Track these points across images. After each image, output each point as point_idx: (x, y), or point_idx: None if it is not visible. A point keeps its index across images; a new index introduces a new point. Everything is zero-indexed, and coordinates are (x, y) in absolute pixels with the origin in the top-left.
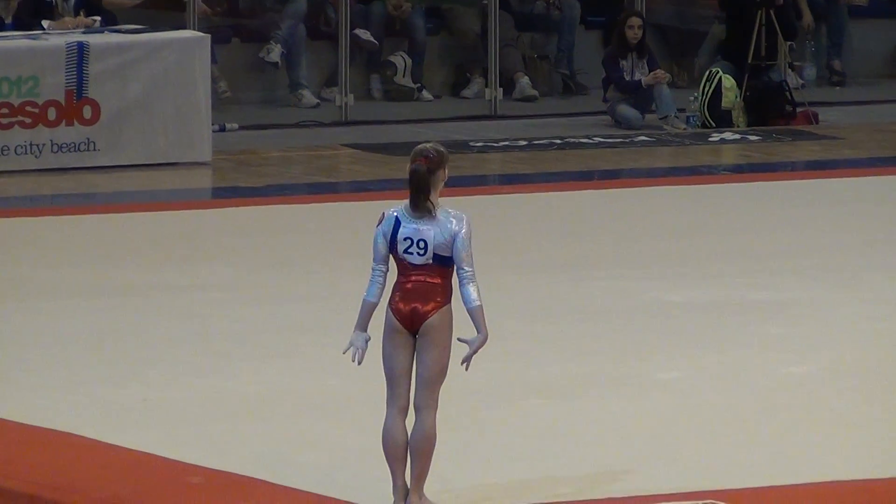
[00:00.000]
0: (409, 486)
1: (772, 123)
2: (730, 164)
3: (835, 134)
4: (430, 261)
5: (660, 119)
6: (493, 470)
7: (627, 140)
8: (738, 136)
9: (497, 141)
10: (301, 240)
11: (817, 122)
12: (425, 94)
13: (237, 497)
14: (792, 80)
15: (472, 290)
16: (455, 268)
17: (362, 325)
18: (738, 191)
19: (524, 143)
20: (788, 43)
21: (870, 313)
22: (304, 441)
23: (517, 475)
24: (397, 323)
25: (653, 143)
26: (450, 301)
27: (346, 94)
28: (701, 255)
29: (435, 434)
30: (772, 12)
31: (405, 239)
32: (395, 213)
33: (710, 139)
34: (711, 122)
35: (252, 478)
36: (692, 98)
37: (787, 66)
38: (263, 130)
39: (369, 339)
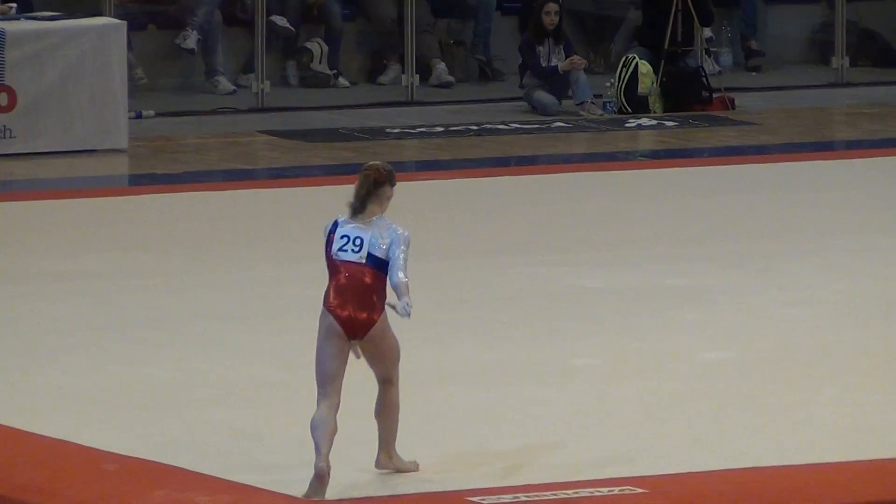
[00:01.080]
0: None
1: (688, 109)
2: (646, 149)
3: (751, 120)
4: (364, 260)
5: (576, 105)
6: (412, 457)
7: (544, 126)
8: (654, 122)
9: (414, 127)
10: (218, 227)
11: (734, 108)
12: (342, 80)
13: (152, 484)
14: (708, 65)
15: (402, 273)
16: (389, 264)
17: None
18: (654, 177)
19: (441, 129)
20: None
21: (785, 299)
22: (220, 428)
23: (436, 462)
24: (339, 328)
25: (569, 129)
26: (384, 307)
27: (262, 81)
28: (618, 241)
29: (398, 403)
30: None
31: (342, 237)
32: (337, 218)
33: (627, 125)
34: (628, 107)
35: (168, 465)
36: (609, 84)
37: (704, 51)
38: (180, 117)
39: None
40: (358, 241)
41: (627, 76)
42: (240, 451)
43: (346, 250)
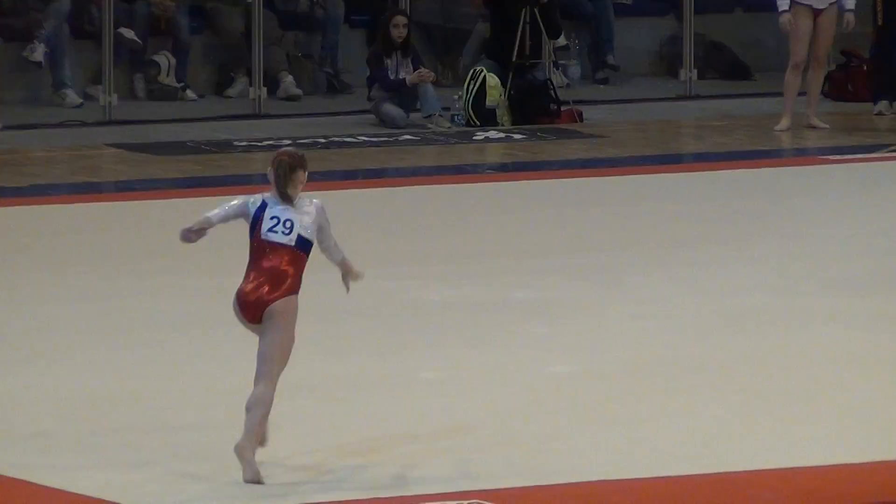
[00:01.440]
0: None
1: (537, 122)
2: (495, 162)
3: (599, 132)
4: (293, 243)
5: (424, 118)
6: (262, 471)
7: (392, 139)
8: (502, 135)
9: (261, 140)
10: (66, 240)
11: (582, 121)
12: (189, 93)
13: None
14: (557, 78)
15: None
16: (325, 246)
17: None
18: (503, 189)
19: (288, 142)
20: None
21: (634, 312)
22: (63, 441)
23: (283, 477)
24: (242, 319)
25: (418, 142)
26: (297, 292)
27: (109, 94)
28: (465, 253)
29: (265, 399)
30: (536, 10)
31: (272, 218)
32: (262, 196)
33: (475, 138)
34: (476, 120)
35: (8, 477)
36: (457, 97)
37: (552, 64)
38: (27, 130)
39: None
40: (288, 224)
41: (475, 89)
42: (78, 465)
43: (276, 231)
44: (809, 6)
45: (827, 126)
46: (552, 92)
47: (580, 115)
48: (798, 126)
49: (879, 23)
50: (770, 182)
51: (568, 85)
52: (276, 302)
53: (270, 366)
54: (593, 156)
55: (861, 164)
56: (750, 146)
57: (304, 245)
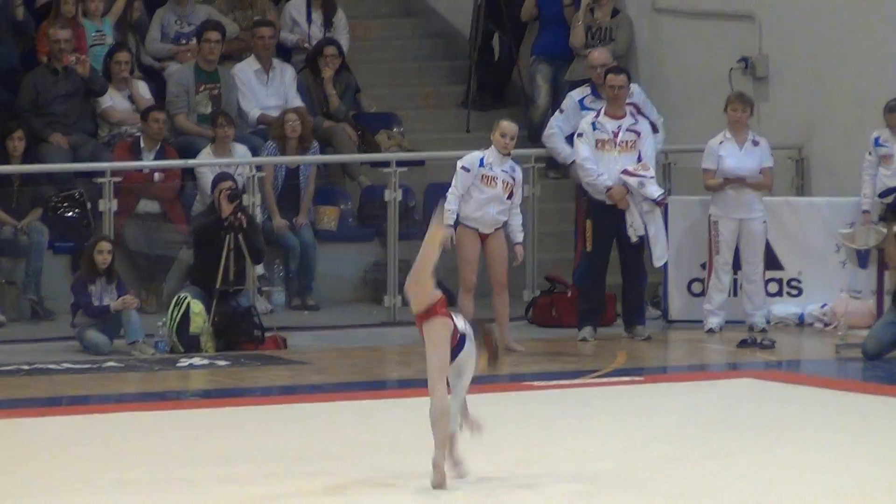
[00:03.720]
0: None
1: (240, 348)
2: (198, 389)
3: (303, 359)
4: None
5: (128, 344)
6: None
7: (95, 366)
8: (206, 362)
9: None
10: None
11: (286, 347)
12: None
13: None
14: (261, 304)
15: None
16: None
17: None
18: (207, 416)
19: None
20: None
21: None
22: None
23: None
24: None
25: (121, 369)
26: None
27: None
28: (165, 479)
29: (438, 409)
30: (240, 236)
31: None
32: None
33: (179, 364)
34: (181, 347)
35: None
36: (160, 323)
37: (256, 290)
38: None
39: None
40: None
41: (179, 315)
42: None
43: None
44: (476, 230)
45: (523, 349)
46: (256, 318)
47: (284, 341)
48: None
49: (588, 248)
50: (473, 408)
51: (272, 311)
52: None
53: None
54: (297, 382)
55: (567, 389)
56: None
57: None
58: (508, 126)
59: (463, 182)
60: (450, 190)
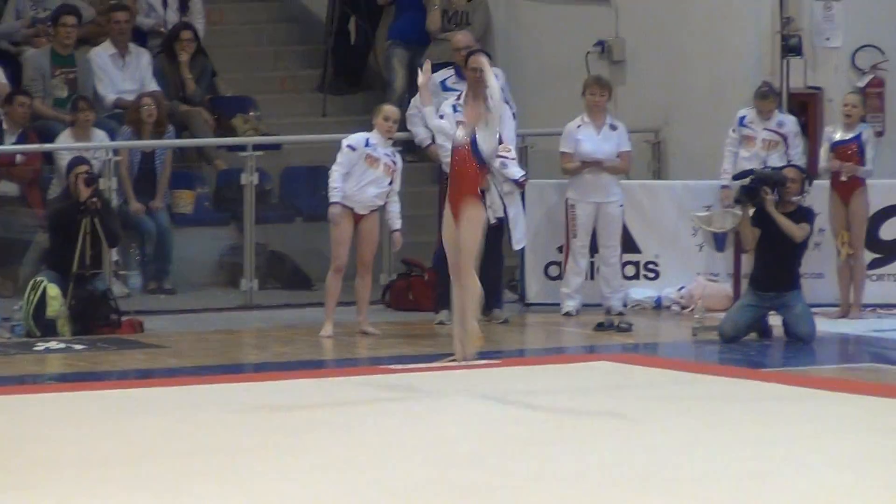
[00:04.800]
0: None
1: (97, 332)
2: (55, 373)
3: (160, 342)
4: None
5: None
6: None
7: None
8: (63, 346)
9: None
10: None
11: (143, 331)
12: None
13: None
14: (117, 288)
15: None
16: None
17: None
18: (64, 400)
19: None
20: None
21: None
22: None
23: None
24: None
25: None
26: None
27: None
28: (23, 467)
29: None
30: (96, 220)
31: None
32: None
33: (36, 348)
34: (37, 331)
35: None
36: (17, 307)
37: (113, 274)
38: None
39: None
40: None
41: (36, 299)
42: None
43: None
44: (351, 209)
45: (378, 333)
46: (112, 302)
47: (141, 324)
48: (350, 333)
49: None
50: (330, 391)
51: (129, 295)
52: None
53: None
54: (154, 366)
55: (421, 373)
56: (310, 356)
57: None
58: (391, 110)
59: (348, 160)
60: (333, 168)
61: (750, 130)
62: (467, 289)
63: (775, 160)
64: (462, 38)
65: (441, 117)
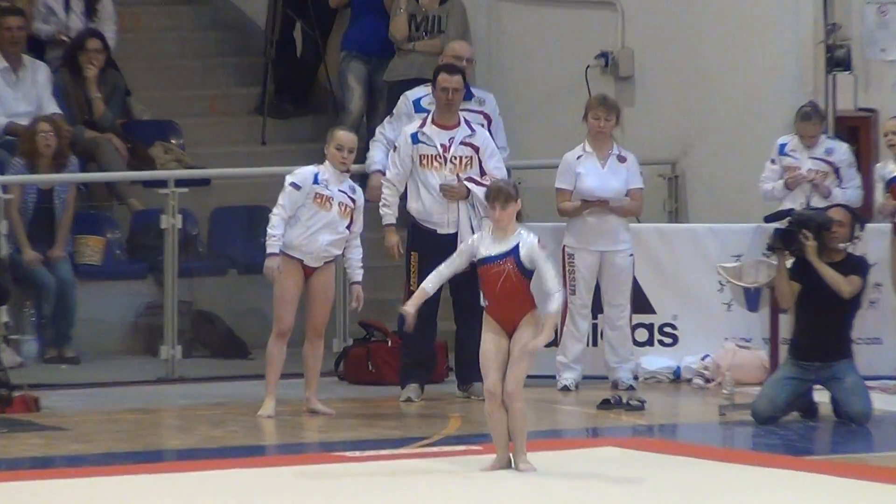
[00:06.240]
0: None
1: None
2: None
3: (60, 424)
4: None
5: None
6: None
7: None
8: None
9: None
10: None
11: (39, 409)
12: None
13: None
14: (7, 357)
15: None
16: None
17: None
18: None
19: None
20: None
21: None
22: None
23: None
24: None
25: None
26: None
27: None
28: None
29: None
30: None
31: None
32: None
33: None
34: None
35: None
36: None
37: (2, 339)
38: None
39: None
40: None
41: None
42: None
43: None
44: (300, 261)
45: (331, 411)
46: (1, 374)
47: (37, 402)
48: (297, 412)
49: (413, 287)
50: (271, 485)
51: (21, 365)
52: None
53: None
54: (53, 452)
55: (388, 461)
56: (247, 440)
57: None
58: (346, 137)
59: (292, 201)
60: (274, 211)
61: (793, 160)
62: (515, 412)
63: (818, 198)
64: (461, 47)
65: (394, 149)
